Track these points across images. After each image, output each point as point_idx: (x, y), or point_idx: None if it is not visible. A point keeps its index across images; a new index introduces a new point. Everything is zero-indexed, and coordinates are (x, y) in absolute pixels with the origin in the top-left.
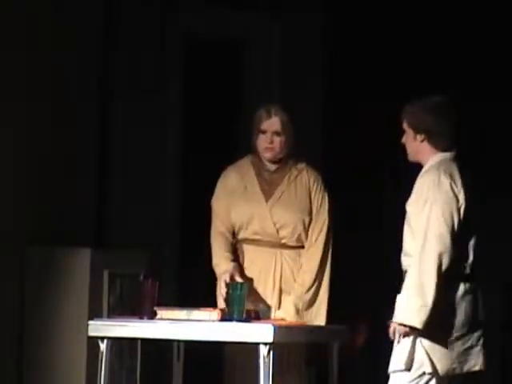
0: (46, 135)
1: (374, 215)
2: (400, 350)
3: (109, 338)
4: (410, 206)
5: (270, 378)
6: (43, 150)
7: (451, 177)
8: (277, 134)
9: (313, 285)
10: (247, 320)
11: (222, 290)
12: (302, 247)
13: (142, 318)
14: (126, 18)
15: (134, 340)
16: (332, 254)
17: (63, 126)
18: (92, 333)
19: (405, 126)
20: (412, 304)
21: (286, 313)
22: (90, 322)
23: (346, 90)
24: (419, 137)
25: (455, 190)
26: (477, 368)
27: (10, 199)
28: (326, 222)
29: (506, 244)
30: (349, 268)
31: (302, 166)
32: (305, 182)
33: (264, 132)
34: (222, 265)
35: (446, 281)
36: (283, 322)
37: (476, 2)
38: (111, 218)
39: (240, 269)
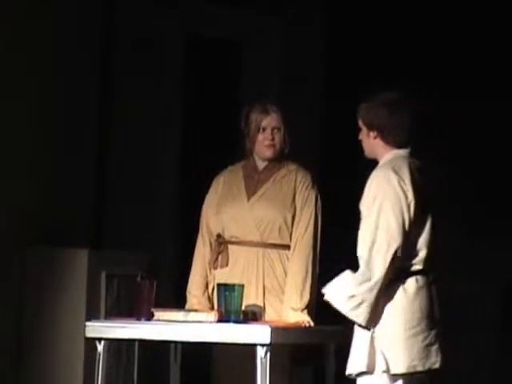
0: (45, 135)
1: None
2: (358, 351)
3: (106, 339)
4: (363, 206)
5: (267, 379)
6: (42, 151)
7: (399, 174)
8: (277, 129)
9: (304, 287)
10: (244, 321)
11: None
12: (287, 246)
13: (139, 319)
14: (126, 17)
15: (131, 341)
16: (330, 253)
17: (62, 126)
18: (89, 334)
19: (360, 122)
20: (356, 300)
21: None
22: (88, 323)
23: (346, 89)
24: (372, 134)
25: (404, 187)
26: (437, 366)
27: (8, 200)
28: (312, 220)
29: (504, 244)
30: (347, 267)
31: (292, 167)
32: (292, 180)
33: (264, 129)
34: (192, 297)
35: (398, 277)
36: (280, 323)
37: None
38: (109, 219)
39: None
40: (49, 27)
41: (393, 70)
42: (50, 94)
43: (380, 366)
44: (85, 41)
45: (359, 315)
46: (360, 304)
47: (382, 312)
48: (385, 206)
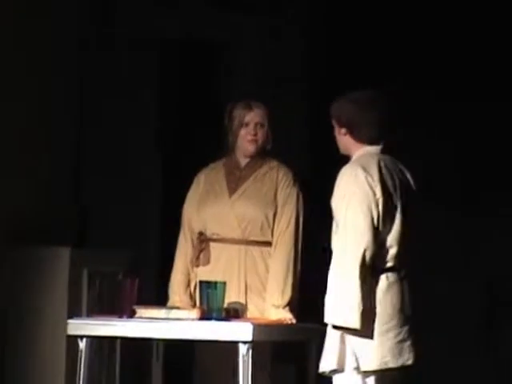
0: (26, 134)
1: None
2: (329, 349)
3: (88, 337)
4: (333, 204)
5: (249, 376)
6: (23, 149)
7: (367, 171)
8: (260, 125)
9: (285, 285)
10: (226, 319)
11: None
12: (269, 243)
13: (121, 316)
14: (103, 19)
15: (113, 339)
16: (312, 252)
17: (42, 125)
18: (71, 332)
19: (332, 120)
20: (343, 305)
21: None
22: (70, 321)
23: (327, 90)
24: (343, 131)
25: (371, 183)
26: (409, 362)
27: None
28: (293, 218)
29: (487, 243)
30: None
31: (273, 164)
32: (273, 177)
33: (247, 124)
34: (173, 294)
35: (370, 274)
36: (262, 321)
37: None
38: (94, 217)
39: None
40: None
41: (378, 70)
42: (33, 93)
43: (350, 363)
44: (62, 42)
45: (354, 320)
46: (349, 308)
47: (374, 313)
48: (352, 204)
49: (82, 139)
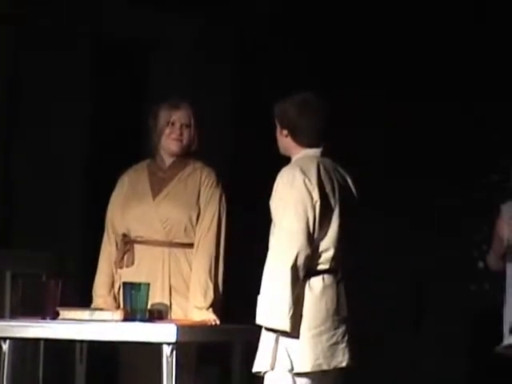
0: None
1: None
2: (264, 350)
3: (11, 339)
4: (271, 204)
5: (173, 377)
6: None
7: (306, 173)
8: (186, 126)
9: (208, 286)
10: (150, 320)
11: None
12: (193, 245)
13: (44, 318)
14: (35, 19)
15: (36, 340)
16: (234, 252)
17: None
18: None
19: (275, 120)
20: (273, 306)
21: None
22: None
23: (255, 91)
24: (284, 132)
25: (309, 186)
26: (343, 365)
27: None
28: (216, 219)
29: (416, 244)
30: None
31: (197, 165)
32: (197, 178)
33: (173, 124)
34: (97, 296)
35: (305, 277)
36: (186, 322)
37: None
38: (16, 218)
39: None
40: None
41: (304, 69)
42: None
43: (284, 364)
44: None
45: (284, 323)
46: (279, 310)
47: (306, 315)
48: (289, 207)
49: (12, 139)
